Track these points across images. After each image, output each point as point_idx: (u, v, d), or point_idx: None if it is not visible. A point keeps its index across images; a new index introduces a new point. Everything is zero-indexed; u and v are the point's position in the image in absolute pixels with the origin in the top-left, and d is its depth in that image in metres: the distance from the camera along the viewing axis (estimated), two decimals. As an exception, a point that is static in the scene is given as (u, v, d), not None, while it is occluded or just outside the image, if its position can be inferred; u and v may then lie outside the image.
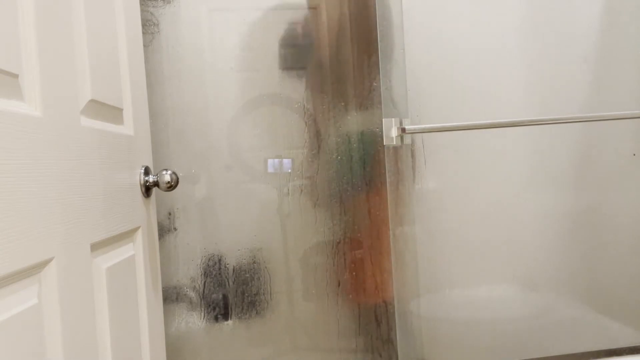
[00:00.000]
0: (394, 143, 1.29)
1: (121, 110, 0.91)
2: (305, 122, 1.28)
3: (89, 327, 0.70)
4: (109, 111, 0.85)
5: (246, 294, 1.27)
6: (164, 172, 0.96)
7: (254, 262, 1.27)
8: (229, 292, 1.26)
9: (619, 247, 1.38)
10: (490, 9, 1.33)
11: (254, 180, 1.27)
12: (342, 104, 1.29)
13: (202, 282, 1.25)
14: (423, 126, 1.25)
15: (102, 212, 0.77)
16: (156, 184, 0.97)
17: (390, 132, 1.29)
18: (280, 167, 1.27)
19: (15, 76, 0.57)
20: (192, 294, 1.25)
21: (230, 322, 1.26)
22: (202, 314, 1.25)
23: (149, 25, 1.23)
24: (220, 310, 1.26)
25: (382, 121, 1.30)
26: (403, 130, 1.25)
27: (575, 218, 1.37)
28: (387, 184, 1.30)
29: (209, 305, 1.26)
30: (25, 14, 0.60)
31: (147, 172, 0.99)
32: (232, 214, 1.26)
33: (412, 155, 1.32)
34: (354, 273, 1.30)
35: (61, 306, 0.62)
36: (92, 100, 0.77)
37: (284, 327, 1.28)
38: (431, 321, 1.33)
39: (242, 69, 1.26)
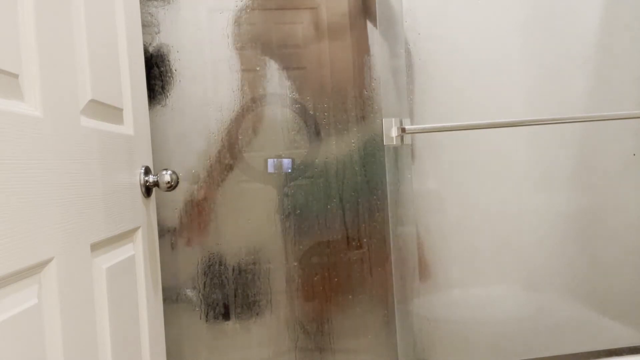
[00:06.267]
0: (394, 143, 1.29)
1: (121, 110, 0.91)
2: (305, 122, 1.28)
3: (89, 327, 0.70)
4: (109, 111, 0.85)
5: (246, 294, 1.27)
6: (164, 172, 0.96)
7: (254, 262, 1.27)
8: (229, 292, 1.26)
9: (619, 247, 1.38)
10: (491, 9, 1.33)
11: (254, 180, 1.27)
12: (342, 103, 1.29)
13: (202, 282, 1.25)
14: (423, 126, 1.25)
15: (102, 212, 0.77)
16: (156, 184, 0.97)
17: (390, 132, 1.29)
18: (280, 167, 1.27)
19: (15, 76, 0.57)
20: (192, 294, 1.25)
21: (230, 322, 1.26)
22: (202, 314, 1.25)
23: (149, 26, 1.23)
24: (220, 310, 1.26)
25: (382, 121, 1.30)
26: (403, 130, 1.25)
27: (575, 218, 1.37)
28: (387, 184, 1.30)
29: (209, 305, 1.26)
30: (25, 14, 0.60)
31: (147, 172, 0.99)
32: (232, 214, 1.26)
33: (412, 155, 1.32)
34: (354, 273, 1.30)
35: (61, 306, 0.62)
36: (92, 100, 0.77)
37: (284, 327, 1.28)
38: (431, 321, 1.33)
39: (242, 69, 1.26)
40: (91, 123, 0.77)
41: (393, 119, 1.29)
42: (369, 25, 1.30)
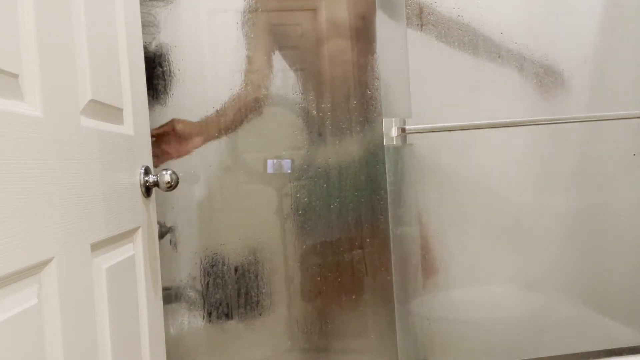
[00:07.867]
0: (394, 143, 1.29)
1: (121, 110, 0.91)
2: (305, 123, 1.28)
3: (89, 327, 0.70)
4: (109, 111, 0.85)
5: (247, 294, 1.27)
6: (164, 172, 0.96)
7: (256, 262, 1.27)
8: (230, 292, 1.26)
9: (619, 247, 1.38)
10: (490, 9, 1.33)
11: (254, 181, 1.27)
12: (342, 103, 1.29)
13: (204, 282, 1.25)
14: (423, 126, 1.25)
15: (102, 212, 0.77)
16: (156, 184, 0.97)
17: (390, 132, 1.29)
18: (280, 167, 1.27)
19: (15, 76, 0.57)
20: (193, 294, 1.25)
21: (231, 322, 1.26)
22: (203, 314, 1.25)
23: (149, 26, 1.23)
24: (221, 310, 1.26)
25: (382, 121, 1.30)
26: (403, 130, 1.25)
27: (575, 218, 1.37)
28: (387, 184, 1.30)
29: (210, 305, 1.26)
30: (25, 14, 0.60)
31: (147, 172, 0.99)
32: (233, 214, 1.26)
33: (412, 155, 1.32)
34: (355, 273, 1.30)
35: (61, 306, 0.62)
36: (92, 100, 0.77)
37: (285, 327, 1.28)
38: (431, 321, 1.33)
39: (242, 69, 1.26)
40: (91, 123, 0.77)
41: (393, 119, 1.29)
42: (371, 24, 1.30)
